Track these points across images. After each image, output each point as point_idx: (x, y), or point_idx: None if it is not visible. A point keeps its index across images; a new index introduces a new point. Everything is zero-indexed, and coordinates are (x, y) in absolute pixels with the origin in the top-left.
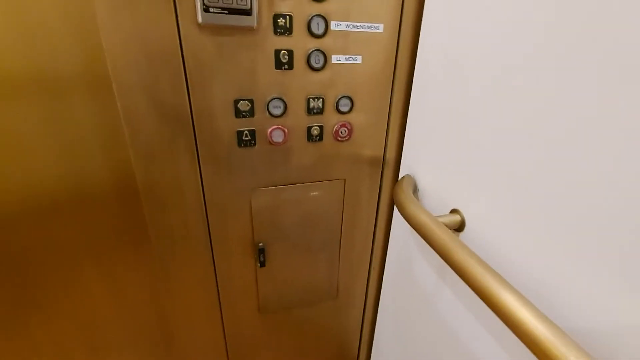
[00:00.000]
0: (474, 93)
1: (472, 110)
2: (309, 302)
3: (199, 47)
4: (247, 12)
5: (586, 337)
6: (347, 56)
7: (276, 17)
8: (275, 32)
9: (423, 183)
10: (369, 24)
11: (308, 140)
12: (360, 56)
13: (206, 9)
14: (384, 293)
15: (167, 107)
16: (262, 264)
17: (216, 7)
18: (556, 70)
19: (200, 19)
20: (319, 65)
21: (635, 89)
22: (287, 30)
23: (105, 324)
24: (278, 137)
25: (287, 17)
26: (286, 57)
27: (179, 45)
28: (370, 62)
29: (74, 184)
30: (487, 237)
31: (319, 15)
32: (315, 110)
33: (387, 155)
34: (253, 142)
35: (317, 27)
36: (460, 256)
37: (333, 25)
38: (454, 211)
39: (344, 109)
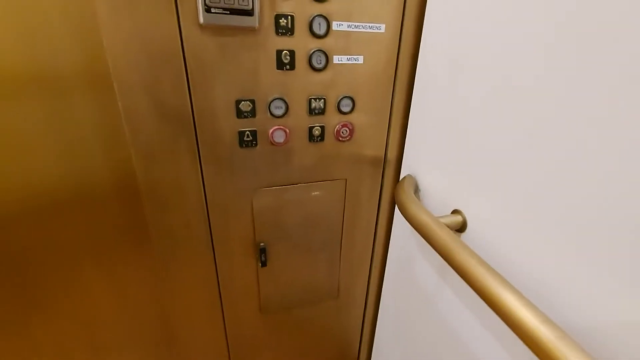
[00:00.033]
0: (475, 93)
1: (474, 111)
2: (310, 302)
3: (200, 47)
4: (249, 13)
5: (586, 337)
6: (348, 56)
7: (278, 17)
8: (277, 33)
9: (424, 183)
10: (371, 24)
11: (309, 140)
12: (362, 56)
13: (208, 10)
14: (385, 293)
15: (168, 107)
16: (264, 264)
17: (218, 8)
18: (557, 70)
19: (201, 20)
20: (320, 66)
21: (635, 89)
22: (289, 31)
23: (106, 324)
24: (279, 137)
25: (289, 17)
26: (288, 57)
27: (180, 46)
28: (372, 63)
29: (75, 184)
30: (488, 238)
31: (320, 15)
32: (316, 111)
33: (389, 156)
34: (254, 142)
35: (319, 27)
36: (462, 257)
37: (335, 26)
38: (455, 212)
39: (345, 109)
